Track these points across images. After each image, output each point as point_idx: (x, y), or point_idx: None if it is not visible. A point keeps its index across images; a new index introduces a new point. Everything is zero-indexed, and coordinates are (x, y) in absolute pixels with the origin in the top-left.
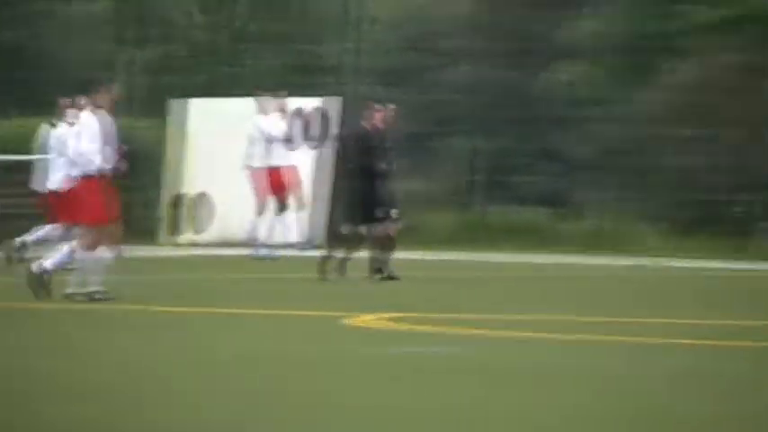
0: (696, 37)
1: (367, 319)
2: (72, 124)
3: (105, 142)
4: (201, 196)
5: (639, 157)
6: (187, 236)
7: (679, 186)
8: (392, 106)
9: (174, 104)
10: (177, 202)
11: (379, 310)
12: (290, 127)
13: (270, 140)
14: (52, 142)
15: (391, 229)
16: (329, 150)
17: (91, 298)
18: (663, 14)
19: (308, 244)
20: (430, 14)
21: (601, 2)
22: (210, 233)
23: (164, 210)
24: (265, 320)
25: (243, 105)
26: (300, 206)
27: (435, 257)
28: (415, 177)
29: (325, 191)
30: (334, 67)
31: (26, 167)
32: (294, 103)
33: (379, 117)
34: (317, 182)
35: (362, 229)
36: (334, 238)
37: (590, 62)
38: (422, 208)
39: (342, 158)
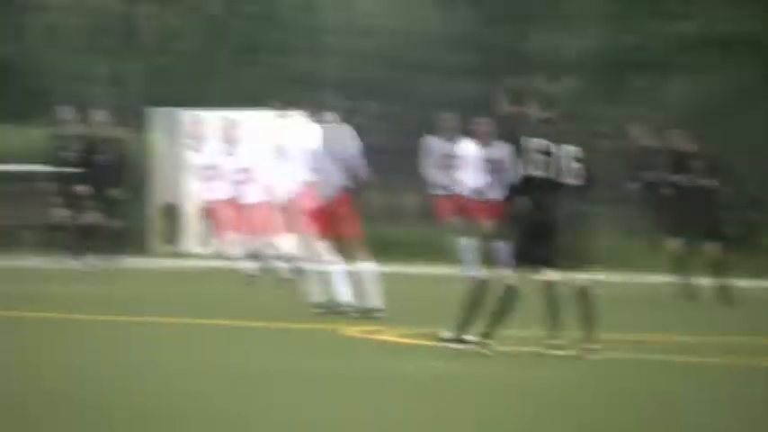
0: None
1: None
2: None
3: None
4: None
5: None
6: (185, 247)
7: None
8: None
9: (161, 114)
10: (171, 212)
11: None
12: None
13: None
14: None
15: None
16: None
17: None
18: (640, 30)
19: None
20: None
21: (575, 16)
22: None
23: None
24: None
25: (237, 116)
26: None
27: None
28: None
29: None
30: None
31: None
32: None
33: None
34: None
35: None
36: None
37: (564, 76)
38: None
39: None
